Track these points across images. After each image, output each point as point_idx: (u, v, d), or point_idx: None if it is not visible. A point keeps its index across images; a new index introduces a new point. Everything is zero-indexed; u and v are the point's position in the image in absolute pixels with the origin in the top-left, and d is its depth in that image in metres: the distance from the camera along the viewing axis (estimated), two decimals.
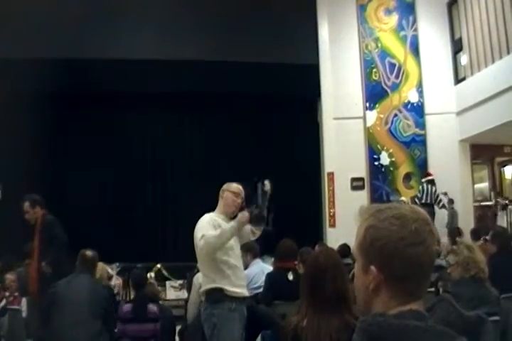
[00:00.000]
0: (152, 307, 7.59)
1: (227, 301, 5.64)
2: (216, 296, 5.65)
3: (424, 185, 16.10)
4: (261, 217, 6.04)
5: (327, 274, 3.94)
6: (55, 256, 8.09)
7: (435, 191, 16.05)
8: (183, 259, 13.36)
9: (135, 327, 7.34)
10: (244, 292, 5.87)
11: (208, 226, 5.89)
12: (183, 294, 11.83)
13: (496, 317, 4.92)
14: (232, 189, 6.35)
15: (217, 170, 17.16)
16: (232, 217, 6.14)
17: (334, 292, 3.86)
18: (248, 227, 6.14)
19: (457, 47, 17.83)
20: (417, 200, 15.78)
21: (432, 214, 15.24)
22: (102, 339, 6.66)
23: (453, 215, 16.10)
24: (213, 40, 16.15)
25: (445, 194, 16.43)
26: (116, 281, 10.77)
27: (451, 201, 16.32)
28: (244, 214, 5.84)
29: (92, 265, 7.23)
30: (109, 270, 10.12)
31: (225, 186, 6.43)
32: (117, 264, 13.02)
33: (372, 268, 1.88)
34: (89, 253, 7.21)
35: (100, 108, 16.64)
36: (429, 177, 16.26)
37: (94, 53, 15.63)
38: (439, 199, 15.97)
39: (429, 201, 15.74)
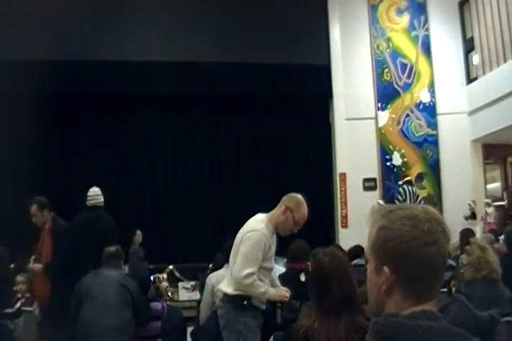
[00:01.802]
0: (156, 305, 7.61)
1: (253, 309, 5.59)
2: (242, 303, 5.58)
3: (405, 186, 16.04)
4: (293, 310, 5.84)
5: (333, 277, 3.93)
6: (54, 272, 8.05)
7: (415, 191, 15.97)
8: (195, 260, 13.39)
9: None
10: (264, 306, 5.79)
11: (258, 248, 5.46)
12: (196, 295, 11.84)
13: (509, 318, 4.90)
14: (297, 215, 5.66)
15: (227, 171, 17.21)
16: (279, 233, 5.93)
17: (341, 294, 3.85)
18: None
19: (469, 46, 17.80)
20: (398, 203, 15.67)
21: None
22: (132, 329, 6.76)
23: None
24: (224, 41, 16.17)
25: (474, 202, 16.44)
26: None
27: (434, 205, 16.22)
28: (286, 296, 5.62)
29: (116, 258, 7.30)
30: None
31: (291, 203, 5.67)
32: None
33: (385, 269, 1.87)
34: (111, 249, 7.35)
35: (106, 110, 16.63)
36: (407, 179, 16.22)
37: (98, 55, 15.66)
38: (419, 200, 15.87)
39: (411, 203, 15.67)
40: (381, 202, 16.01)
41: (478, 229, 14.45)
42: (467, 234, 10.43)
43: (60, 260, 8.06)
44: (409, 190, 15.93)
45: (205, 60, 15.97)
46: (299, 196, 5.72)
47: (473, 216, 16.24)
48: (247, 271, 5.36)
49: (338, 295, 3.85)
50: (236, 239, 5.70)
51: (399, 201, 15.71)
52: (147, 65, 15.80)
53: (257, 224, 5.59)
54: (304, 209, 5.68)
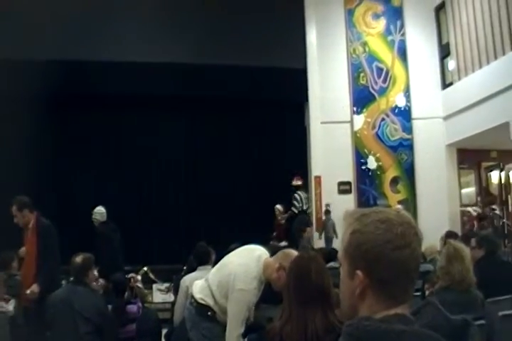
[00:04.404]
0: (131, 308, 7.56)
1: (216, 320, 5.55)
2: (207, 313, 5.56)
3: (299, 192, 15.87)
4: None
5: (312, 270, 3.95)
6: (47, 276, 7.87)
7: (307, 197, 16.00)
8: (169, 262, 13.35)
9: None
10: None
11: (247, 308, 5.36)
12: (170, 297, 11.81)
13: (482, 321, 4.92)
14: None
15: (202, 173, 17.18)
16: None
17: (320, 285, 3.87)
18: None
19: (445, 52, 17.89)
20: (295, 210, 15.66)
21: (308, 220, 15.30)
22: None
23: (328, 225, 15.95)
24: (202, 43, 16.14)
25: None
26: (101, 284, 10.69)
27: (327, 212, 16.19)
28: None
29: (83, 273, 6.92)
30: (95, 272, 10.05)
31: (287, 263, 5.07)
32: None
33: (358, 272, 1.87)
34: (78, 260, 6.85)
35: (88, 109, 16.59)
36: (299, 182, 16.04)
37: (80, 55, 15.60)
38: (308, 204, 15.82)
39: (306, 208, 15.71)
40: (279, 207, 15.91)
41: None
42: (450, 237, 10.45)
43: (52, 263, 7.94)
44: (302, 195, 15.76)
45: (182, 62, 15.98)
46: (295, 253, 5.55)
47: None
48: (237, 332, 5.31)
49: (317, 286, 3.86)
50: (226, 274, 5.50)
51: (295, 207, 15.64)
52: (127, 66, 15.80)
53: (251, 281, 5.38)
54: None
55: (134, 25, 15.84)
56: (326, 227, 15.91)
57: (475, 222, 16.18)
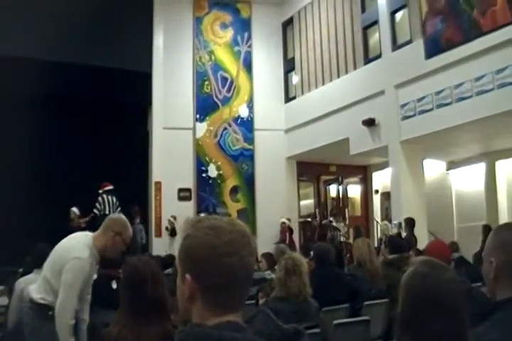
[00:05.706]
0: None
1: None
2: (47, 313, 5.39)
3: (104, 195, 15.49)
4: None
5: (147, 281, 3.91)
6: None
7: (116, 201, 15.57)
8: (4, 264, 12.95)
9: None
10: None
11: (82, 279, 5.16)
12: (4, 300, 11.47)
13: (317, 330, 5.02)
14: (126, 236, 5.35)
15: (42, 171, 16.75)
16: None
17: (156, 297, 3.84)
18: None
19: (289, 66, 18.31)
20: (96, 212, 15.26)
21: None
22: None
23: (136, 231, 16.03)
24: (46, 40, 15.71)
25: (174, 218, 16.52)
26: None
27: (133, 217, 16.39)
28: None
29: None
30: None
31: (119, 228, 5.33)
32: None
33: (187, 276, 1.87)
34: None
35: None
36: (108, 188, 15.57)
37: None
38: (118, 209, 15.75)
39: (111, 212, 15.58)
40: (96, 212, 15.70)
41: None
42: (281, 250, 10.64)
43: None
44: (109, 199, 15.59)
45: (26, 56, 15.52)
46: (122, 217, 5.54)
47: (173, 232, 16.07)
48: (71, 305, 5.17)
49: (152, 297, 3.82)
50: (56, 255, 5.36)
51: (98, 210, 15.41)
52: None
53: (83, 250, 5.23)
54: (130, 227, 5.49)
55: None
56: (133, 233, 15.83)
57: (287, 234, 16.61)
